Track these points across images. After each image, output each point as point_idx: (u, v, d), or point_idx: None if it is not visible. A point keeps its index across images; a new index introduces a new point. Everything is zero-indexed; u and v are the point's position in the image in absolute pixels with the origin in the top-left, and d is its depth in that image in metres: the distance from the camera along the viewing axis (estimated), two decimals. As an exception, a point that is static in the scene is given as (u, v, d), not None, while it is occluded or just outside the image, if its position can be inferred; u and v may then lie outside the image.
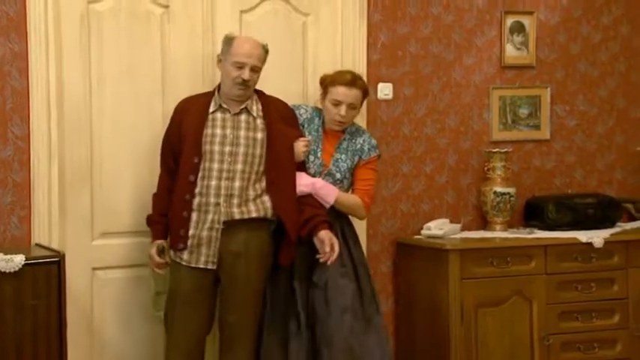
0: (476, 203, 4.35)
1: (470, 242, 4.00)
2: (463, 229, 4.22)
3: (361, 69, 4.08)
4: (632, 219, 4.50)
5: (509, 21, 4.39)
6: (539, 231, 4.20)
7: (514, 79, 4.45)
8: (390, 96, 4.21)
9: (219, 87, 3.52)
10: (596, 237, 4.08)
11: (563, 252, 4.04)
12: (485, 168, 4.29)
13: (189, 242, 3.40)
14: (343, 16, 4.09)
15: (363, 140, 3.68)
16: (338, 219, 3.61)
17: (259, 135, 3.46)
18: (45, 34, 3.58)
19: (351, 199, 3.64)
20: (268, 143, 3.46)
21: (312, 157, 3.61)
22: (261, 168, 3.45)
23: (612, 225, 4.30)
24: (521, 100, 4.44)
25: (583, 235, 4.09)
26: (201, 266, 3.41)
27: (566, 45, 4.53)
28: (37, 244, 3.56)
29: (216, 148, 3.42)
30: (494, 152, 4.26)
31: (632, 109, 4.65)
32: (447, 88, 4.32)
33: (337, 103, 3.59)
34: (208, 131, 3.44)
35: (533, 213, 4.32)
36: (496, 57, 4.39)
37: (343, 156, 3.65)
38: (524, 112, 4.44)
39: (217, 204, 3.39)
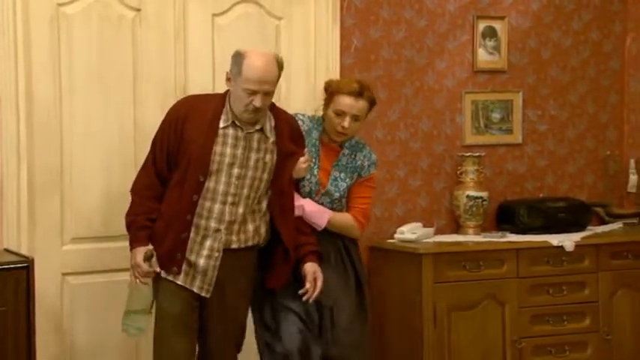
0: (449, 207, 4.28)
1: (443, 246, 3.94)
2: (436, 233, 4.15)
3: (334, 73, 4.01)
4: (603, 223, 4.46)
5: (482, 26, 4.34)
6: (511, 235, 4.14)
7: (486, 84, 4.39)
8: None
9: (229, 96, 3.09)
10: (568, 240, 4.03)
11: (535, 256, 3.99)
12: (458, 172, 4.23)
13: (184, 267, 3.05)
14: (316, 20, 4.01)
15: (364, 156, 3.37)
16: (340, 237, 3.34)
17: (268, 157, 3.09)
18: (14, 37, 3.45)
19: (345, 219, 3.33)
20: (278, 164, 3.10)
21: (307, 175, 3.27)
22: (263, 192, 3.11)
23: (583, 229, 4.26)
24: (494, 105, 4.38)
25: (554, 239, 4.04)
26: (195, 290, 3.07)
27: (538, 50, 4.48)
28: (5, 250, 3.44)
29: (225, 168, 3.04)
30: (467, 156, 4.21)
31: (601, 113, 4.60)
32: (420, 93, 4.25)
33: (341, 114, 3.25)
34: (218, 149, 3.03)
35: (505, 217, 4.27)
36: (468, 61, 4.33)
37: (342, 174, 3.33)
38: (496, 116, 4.39)
39: (217, 230, 3.04)
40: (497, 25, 4.36)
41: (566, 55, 4.52)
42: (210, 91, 3.83)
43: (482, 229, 4.22)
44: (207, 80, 3.82)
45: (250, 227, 3.10)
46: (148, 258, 3.05)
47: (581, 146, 4.56)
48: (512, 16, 4.40)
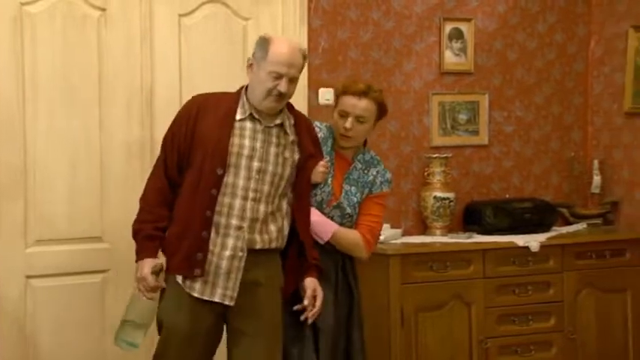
0: (416, 208, 4.27)
1: (410, 247, 3.92)
2: (404, 234, 4.14)
3: (302, 73, 3.95)
4: (568, 223, 4.48)
5: (448, 27, 4.33)
6: (477, 235, 4.14)
7: (453, 85, 4.39)
8: (332, 101, 4.07)
9: (245, 90, 2.90)
10: (533, 241, 4.04)
11: (501, 256, 3.99)
12: (426, 173, 4.22)
13: (205, 268, 2.76)
14: (284, 21, 3.97)
15: (377, 172, 3.14)
16: (338, 251, 3.09)
17: (288, 153, 2.87)
18: (-25, 37, 3.39)
19: (351, 236, 3.07)
20: (300, 165, 2.90)
21: (321, 184, 3.04)
22: (283, 192, 2.87)
23: (548, 229, 4.27)
24: (460, 106, 4.38)
25: (520, 239, 4.04)
26: (217, 300, 2.77)
27: (503, 52, 4.49)
28: (-33, 253, 3.37)
29: (244, 162, 2.80)
30: (434, 157, 4.20)
31: (566, 115, 4.63)
32: (388, 94, 4.21)
33: (344, 115, 3.07)
34: (235, 140, 2.80)
35: (472, 217, 4.27)
36: (435, 63, 4.32)
37: (353, 188, 3.10)
38: (463, 117, 4.39)
39: (240, 227, 2.78)
40: (464, 27, 4.36)
41: (531, 57, 4.53)
42: (176, 91, 3.80)
43: (449, 230, 4.21)
44: (174, 81, 3.77)
45: (272, 228, 2.84)
46: (156, 272, 2.76)
47: (547, 147, 4.58)
48: (479, 18, 4.40)
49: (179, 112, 2.94)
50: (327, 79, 4.08)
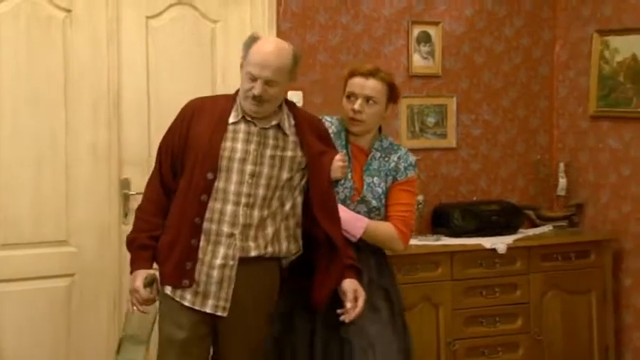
0: (384, 210, 4.26)
1: (378, 250, 3.92)
2: (372, 236, 4.13)
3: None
4: (534, 225, 4.50)
5: (416, 31, 4.33)
6: (445, 238, 4.15)
7: (421, 88, 4.39)
8: (300, 104, 4.07)
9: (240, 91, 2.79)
10: (500, 243, 4.05)
11: (469, 258, 3.99)
12: (394, 176, 4.21)
13: (195, 278, 2.65)
14: (253, 24, 3.93)
15: (399, 157, 2.95)
16: (373, 253, 2.92)
17: (289, 154, 2.72)
18: (-63, 37, 3.32)
19: (384, 229, 2.88)
20: (313, 165, 2.74)
21: (341, 180, 2.86)
22: (286, 193, 2.72)
23: (515, 231, 4.28)
24: (429, 109, 4.39)
25: (487, 242, 4.05)
26: (208, 311, 2.66)
27: (471, 55, 4.50)
28: None
29: (236, 165, 2.67)
30: (402, 160, 4.20)
31: (532, 118, 4.65)
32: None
33: (351, 95, 2.89)
34: (227, 144, 2.68)
35: (440, 220, 4.27)
36: (404, 66, 4.31)
37: (375, 179, 2.91)
38: (431, 120, 4.39)
39: (231, 235, 2.65)
40: (432, 31, 4.37)
41: (498, 61, 4.55)
42: (144, 93, 3.76)
43: (418, 232, 4.20)
44: (141, 83, 3.73)
45: (269, 231, 2.69)
46: (149, 283, 2.63)
47: (513, 150, 4.60)
48: (446, 22, 4.41)
49: (177, 116, 2.83)
50: (295, 83, 4.04)
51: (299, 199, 2.76)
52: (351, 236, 2.83)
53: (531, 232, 4.37)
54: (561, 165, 4.57)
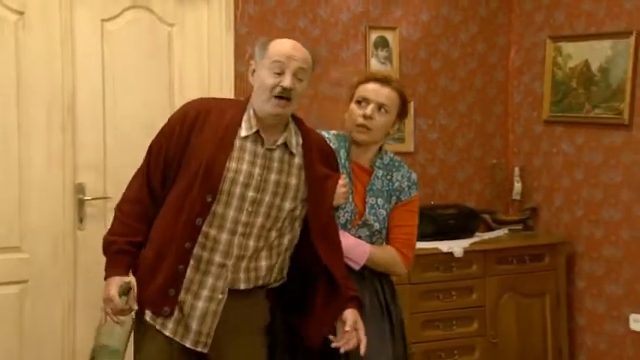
0: (342, 215, 4.26)
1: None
2: (330, 240, 4.12)
3: (229, 81, 3.92)
4: (490, 229, 4.54)
5: (374, 36, 4.34)
6: (403, 241, 4.16)
7: (379, 93, 4.40)
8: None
9: (251, 101, 2.47)
10: (457, 247, 4.07)
11: (426, 262, 4.00)
12: (352, 180, 4.21)
13: (176, 308, 2.38)
14: (210, 28, 3.90)
15: (402, 176, 2.73)
16: (375, 275, 2.71)
17: (293, 181, 2.44)
18: None
19: (387, 254, 2.69)
20: (315, 192, 2.46)
21: (343, 204, 2.62)
22: (286, 225, 2.46)
23: (471, 235, 4.31)
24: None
25: (444, 245, 4.07)
26: (188, 345, 2.40)
27: (428, 60, 4.52)
28: None
29: (238, 190, 2.38)
30: (360, 165, 4.20)
31: (488, 123, 4.69)
32: (315, 101, 4.21)
33: (363, 100, 2.65)
34: (232, 165, 2.38)
35: (397, 224, 4.28)
36: (361, 71, 4.33)
37: (379, 200, 2.68)
38: (388, 125, 4.40)
39: (223, 265, 2.38)
40: (389, 36, 4.38)
41: (454, 66, 4.58)
42: (99, 97, 3.70)
43: (375, 236, 4.21)
44: (96, 85, 3.67)
45: (263, 264, 2.43)
46: (124, 292, 2.39)
47: (470, 155, 4.64)
48: (403, 27, 4.43)
49: (175, 114, 2.50)
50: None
51: (298, 231, 2.50)
52: (353, 264, 2.61)
53: (487, 235, 4.41)
54: (516, 169, 4.62)
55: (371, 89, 2.65)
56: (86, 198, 3.65)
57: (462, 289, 4.09)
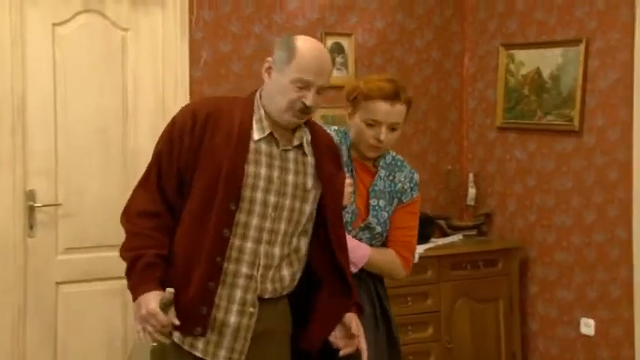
0: (298, 221, 4.26)
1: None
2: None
3: (184, 86, 3.90)
4: (444, 234, 4.57)
5: (330, 42, 4.36)
6: (358, 247, 4.17)
7: (335, 99, 4.40)
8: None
9: (260, 97, 2.30)
10: (412, 252, 4.10)
11: (381, 268, 4.03)
12: (307, 186, 4.21)
13: (209, 326, 2.22)
14: (164, 33, 3.87)
15: (404, 177, 2.62)
16: (370, 277, 2.62)
17: (310, 182, 2.30)
18: None
19: (386, 257, 2.59)
20: (327, 192, 2.32)
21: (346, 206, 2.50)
22: (303, 229, 2.31)
23: (427, 241, 4.33)
24: (343, 120, 4.39)
25: (400, 251, 4.09)
26: None
27: (383, 67, 4.55)
28: None
29: (259, 195, 2.23)
30: (316, 171, 4.20)
31: (443, 129, 4.74)
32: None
33: (374, 124, 2.50)
34: (250, 169, 2.22)
35: (352, 230, 4.29)
36: (317, 77, 4.33)
37: (381, 201, 2.58)
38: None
39: (250, 277, 2.23)
40: (345, 42, 4.40)
41: (409, 73, 4.62)
42: (50, 101, 3.65)
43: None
44: (47, 89, 3.63)
45: (286, 273, 2.29)
46: (166, 305, 2.12)
47: (425, 161, 4.68)
48: (359, 34, 4.45)
49: (179, 115, 2.28)
50: (209, 92, 4.00)
51: (311, 235, 2.35)
52: (352, 266, 2.48)
53: (442, 241, 4.44)
54: (471, 175, 4.67)
55: (381, 110, 2.49)
56: (37, 205, 3.60)
57: (417, 295, 4.11)
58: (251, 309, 2.23)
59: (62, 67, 3.65)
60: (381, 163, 2.60)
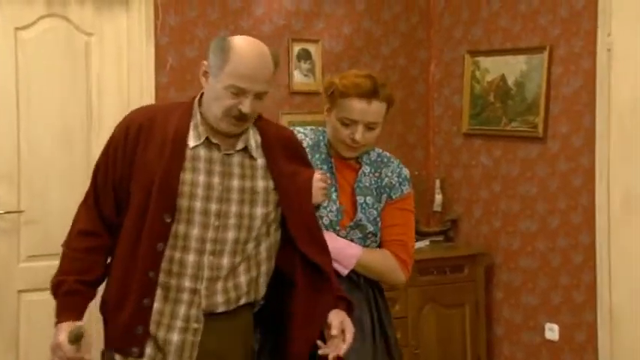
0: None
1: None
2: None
3: (149, 92, 3.87)
4: (412, 240, 4.60)
5: (297, 48, 4.36)
6: (325, 254, 4.17)
7: (302, 105, 4.41)
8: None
9: (199, 102, 2.19)
10: (379, 259, 4.10)
11: (348, 274, 4.03)
12: (274, 192, 4.20)
13: (148, 347, 2.12)
14: (129, 37, 3.84)
15: (392, 171, 2.47)
16: (370, 285, 2.44)
17: (260, 184, 2.18)
18: None
19: (380, 257, 2.40)
20: (287, 194, 2.20)
21: (325, 202, 2.35)
22: (263, 232, 2.19)
23: (394, 246, 4.36)
24: (310, 126, 4.40)
25: (366, 257, 4.10)
26: None
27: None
28: None
29: (198, 204, 2.12)
30: (283, 177, 4.20)
31: (409, 135, 4.76)
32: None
33: (350, 123, 2.38)
34: (187, 177, 2.12)
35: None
36: (284, 83, 4.32)
37: (369, 198, 2.42)
38: (311, 137, 4.42)
39: (194, 291, 2.12)
40: (312, 48, 4.41)
41: (376, 79, 4.64)
42: (13, 106, 3.60)
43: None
44: (10, 95, 3.59)
45: (243, 280, 2.17)
46: (75, 338, 2.08)
47: (391, 167, 4.70)
48: (326, 40, 4.46)
49: (116, 129, 2.20)
50: (175, 98, 3.97)
51: (277, 237, 2.24)
52: (342, 268, 2.33)
53: (409, 247, 4.46)
54: (437, 181, 4.70)
55: (357, 110, 2.36)
56: (-2, 212, 3.55)
57: (386, 301, 4.12)
58: (195, 325, 2.13)
59: (25, 72, 3.61)
60: (364, 159, 2.47)
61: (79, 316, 2.13)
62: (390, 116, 4.61)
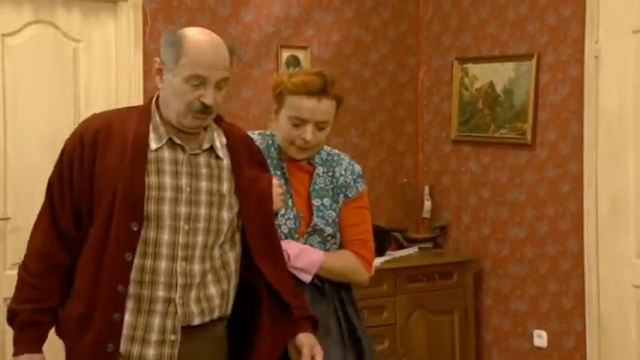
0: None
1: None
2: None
3: (138, 98, 3.86)
4: (400, 247, 4.59)
5: (285, 55, 4.37)
6: (314, 261, 4.16)
7: (290, 112, 4.42)
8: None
9: (156, 103, 2.10)
10: (368, 265, 4.10)
11: (337, 281, 4.03)
12: (263, 199, 4.19)
13: None
14: (117, 44, 3.84)
15: (345, 170, 2.41)
16: (336, 291, 2.39)
17: (225, 187, 2.10)
18: None
19: (343, 259, 2.36)
20: (248, 199, 2.12)
21: (281, 210, 2.31)
22: (226, 239, 2.10)
23: (383, 253, 4.34)
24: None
25: (355, 264, 4.10)
26: None
27: (339, 79, 4.50)
28: None
29: (167, 208, 2.02)
30: (272, 184, 4.19)
31: (398, 142, 4.77)
32: (227, 120, 4.19)
33: (299, 123, 2.30)
34: (152, 180, 2.02)
35: (308, 243, 4.29)
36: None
37: (326, 200, 2.37)
38: (299, 144, 4.42)
39: (168, 300, 2.02)
40: (301, 55, 4.41)
41: (365, 86, 4.65)
42: (0, 116, 3.58)
43: (287, 255, 4.20)
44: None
45: (214, 291, 2.07)
46: None
47: (381, 173, 4.70)
48: (315, 47, 4.46)
49: (68, 140, 2.09)
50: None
51: (240, 247, 2.15)
52: (304, 275, 2.28)
53: (398, 253, 4.45)
54: (426, 188, 4.71)
55: (306, 109, 2.29)
56: (-16, 220, 3.52)
57: (374, 308, 4.11)
58: (172, 337, 2.01)
59: (12, 79, 3.59)
60: (316, 160, 2.40)
61: (37, 347, 2.03)
62: (379, 123, 4.68)
